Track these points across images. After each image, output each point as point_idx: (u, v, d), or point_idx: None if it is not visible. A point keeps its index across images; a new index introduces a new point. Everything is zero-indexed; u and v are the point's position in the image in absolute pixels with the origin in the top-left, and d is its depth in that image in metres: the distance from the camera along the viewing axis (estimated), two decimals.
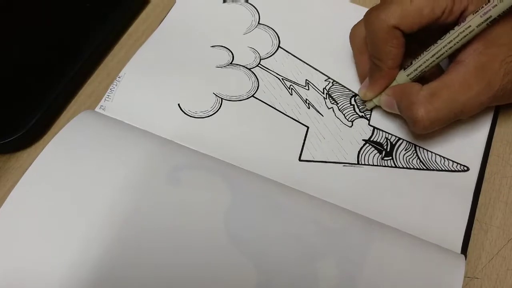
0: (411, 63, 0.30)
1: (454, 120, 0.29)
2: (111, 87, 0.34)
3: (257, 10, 0.38)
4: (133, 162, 0.28)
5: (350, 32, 0.33)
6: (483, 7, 0.26)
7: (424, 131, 0.29)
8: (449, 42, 0.28)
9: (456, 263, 0.26)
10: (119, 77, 0.35)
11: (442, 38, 0.28)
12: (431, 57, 0.29)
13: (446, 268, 0.26)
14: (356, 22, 0.33)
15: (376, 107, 0.33)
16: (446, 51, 0.28)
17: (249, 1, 0.39)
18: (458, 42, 0.27)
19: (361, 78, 0.34)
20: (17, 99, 0.33)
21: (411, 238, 0.27)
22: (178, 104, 0.34)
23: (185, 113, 0.33)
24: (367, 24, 0.30)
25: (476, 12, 0.27)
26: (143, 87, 0.34)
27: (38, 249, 0.26)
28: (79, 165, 0.28)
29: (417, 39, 0.30)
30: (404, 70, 0.31)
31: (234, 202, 0.27)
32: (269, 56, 0.36)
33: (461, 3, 0.28)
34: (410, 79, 0.30)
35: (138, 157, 0.28)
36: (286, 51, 0.36)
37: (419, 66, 0.30)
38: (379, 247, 0.26)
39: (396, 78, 0.31)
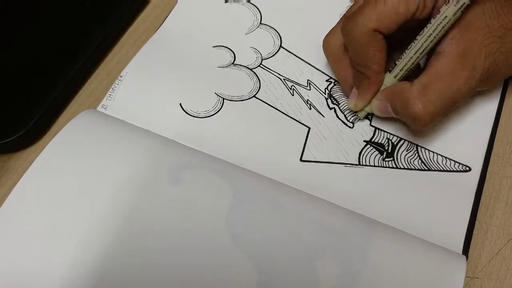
0: (396, 64, 0.30)
1: (451, 109, 0.30)
2: (113, 86, 0.34)
3: (259, 10, 0.38)
4: (135, 161, 0.28)
5: (323, 42, 0.33)
6: None
7: (426, 127, 0.29)
8: (429, 36, 0.28)
9: (457, 264, 0.26)
10: (121, 76, 0.34)
11: (421, 33, 0.28)
12: (414, 54, 0.29)
13: (447, 269, 0.26)
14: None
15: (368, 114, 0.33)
16: (428, 45, 0.28)
17: (251, 1, 0.39)
18: (437, 34, 0.28)
19: (344, 84, 0.34)
20: (17, 99, 0.33)
21: (412, 239, 0.27)
22: (180, 104, 0.34)
23: (186, 112, 0.33)
24: (346, 32, 0.29)
25: (448, 2, 0.27)
26: (145, 87, 0.34)
27: (39, 248, 0.26)
28: (80, 164, 0.28)
29: (394, 39, 0.30)
30: (390, 72, 0.31)
31: (235, 202, 0.27)
32: (271, 56, 0.36)
33: None
34: (397, 80, 0.31)
35: (140, 156, 0.28)
36: (288, 51, 0.36)
37: (405, 65, 0.30)
38: (380, 248, 0.26)
39: (383, 82, 0.31)
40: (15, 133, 0.31)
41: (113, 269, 0.25)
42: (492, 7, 0.28)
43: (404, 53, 0.29)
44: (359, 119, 0.33)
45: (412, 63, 0.29)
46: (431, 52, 0.29)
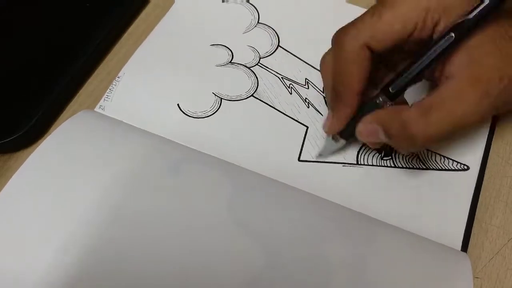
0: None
1: (457, 134, 0.27)
2: (110, 87, 0.34)
3: (256, 10, 0.38)
4: (132, 157, 0.28)
5: (321, 60, 0.30)
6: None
7: (423, 147, 0.28)
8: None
9: (463, 261, 0.26)
10: (118, 77, 0.35)
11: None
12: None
13: (455, 267, 0.26)
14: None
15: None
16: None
17: (250, 1, 0.39)
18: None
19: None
20: (17, 99, 0.33)
21: (414, 237, 0.27)
22: (178, 104, 0.34)
23: (184, 113, 0.33)
24: (335, 45, 0.27)
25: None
26: (143, 87, 0.35)
27: (38, 246, 0.26)
28: (74, 163, 0.28)
29: (383, 62, 0.28)
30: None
31: (234, 191, 0.27)
32: (269, 55, 0.36)
33: (433, 18, 0.26)
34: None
35: (137, 153, 0.28)
36: (286, 50, 0.36)
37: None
38: (383, 244, 0.26)
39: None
40: (15, 133, 0.31)
41: (119, 257, 0.25)
42: (502, 31, 0.26)
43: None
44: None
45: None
46: (434, 80, 0.27)
